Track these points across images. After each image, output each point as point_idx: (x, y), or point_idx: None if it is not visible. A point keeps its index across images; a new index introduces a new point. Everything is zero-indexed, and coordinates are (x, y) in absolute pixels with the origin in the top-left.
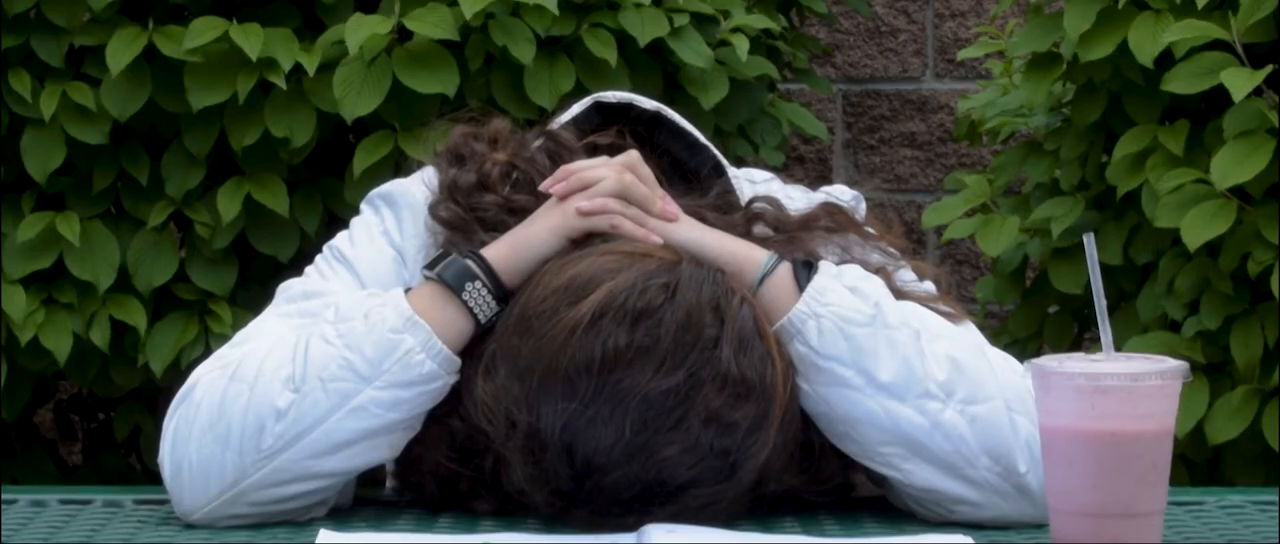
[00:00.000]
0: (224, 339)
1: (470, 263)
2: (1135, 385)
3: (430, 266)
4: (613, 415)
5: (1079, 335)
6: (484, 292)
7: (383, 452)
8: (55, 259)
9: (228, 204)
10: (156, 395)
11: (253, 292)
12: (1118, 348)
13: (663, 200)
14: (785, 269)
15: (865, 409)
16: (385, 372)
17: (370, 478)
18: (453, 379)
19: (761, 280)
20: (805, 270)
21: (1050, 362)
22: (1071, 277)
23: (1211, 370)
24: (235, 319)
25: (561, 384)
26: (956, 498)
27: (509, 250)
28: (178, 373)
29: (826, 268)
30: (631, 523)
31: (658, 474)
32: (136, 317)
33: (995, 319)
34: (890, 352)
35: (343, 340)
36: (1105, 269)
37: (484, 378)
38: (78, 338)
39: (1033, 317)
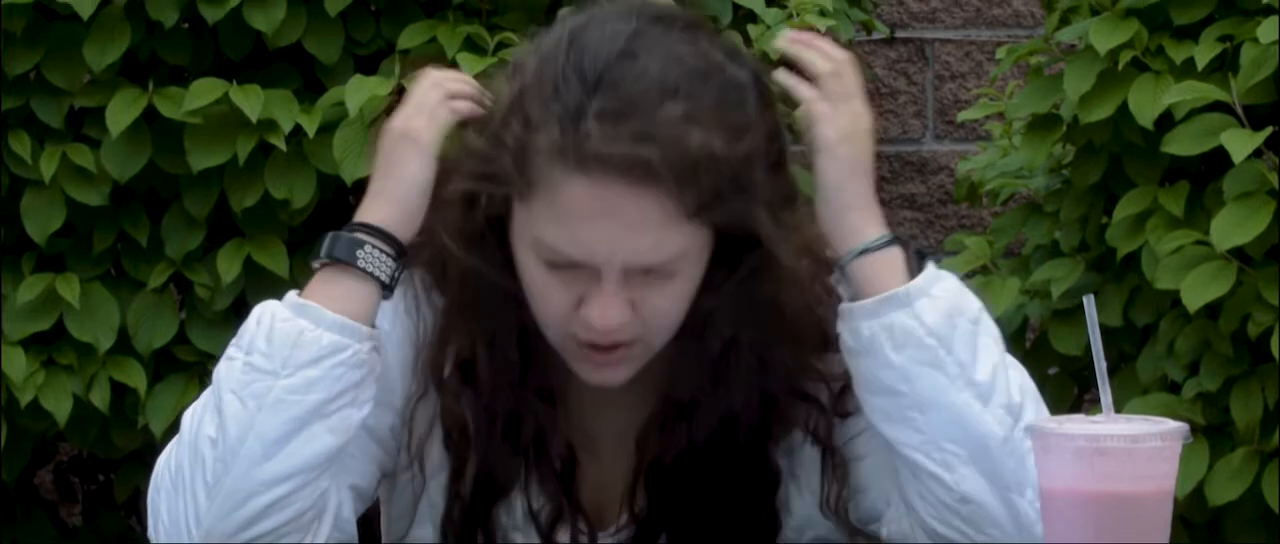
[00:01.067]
0: None
1: (355, 233)
2: (1135, 447)
3: (315, 256)
4: (624, 14)
5: (1079, 397)
6: (377, 252)
7: (327, 438)
8: (55, 321)
9: (228, 266)
10: (157, 458)
11: None
12: (1118, 409)
13: None
14: (898, 250)
15: (950, 399)
16: (287, 359)
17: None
18: (365, 345)
19: (871, 249)
20: (918, 259)
21: (1050, 423)
22: (1071, 338)
23: (1212, 432)
24: None
25: (575, 19)
26: (990, 520)
27: (390, 206)
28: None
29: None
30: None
31: (664, 80)
32: (136, 378)
33: None
34: (986, 355)
35: (242, 350)
36: (1105, 331)
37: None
38: (78, 399)
39: (1032, 378)
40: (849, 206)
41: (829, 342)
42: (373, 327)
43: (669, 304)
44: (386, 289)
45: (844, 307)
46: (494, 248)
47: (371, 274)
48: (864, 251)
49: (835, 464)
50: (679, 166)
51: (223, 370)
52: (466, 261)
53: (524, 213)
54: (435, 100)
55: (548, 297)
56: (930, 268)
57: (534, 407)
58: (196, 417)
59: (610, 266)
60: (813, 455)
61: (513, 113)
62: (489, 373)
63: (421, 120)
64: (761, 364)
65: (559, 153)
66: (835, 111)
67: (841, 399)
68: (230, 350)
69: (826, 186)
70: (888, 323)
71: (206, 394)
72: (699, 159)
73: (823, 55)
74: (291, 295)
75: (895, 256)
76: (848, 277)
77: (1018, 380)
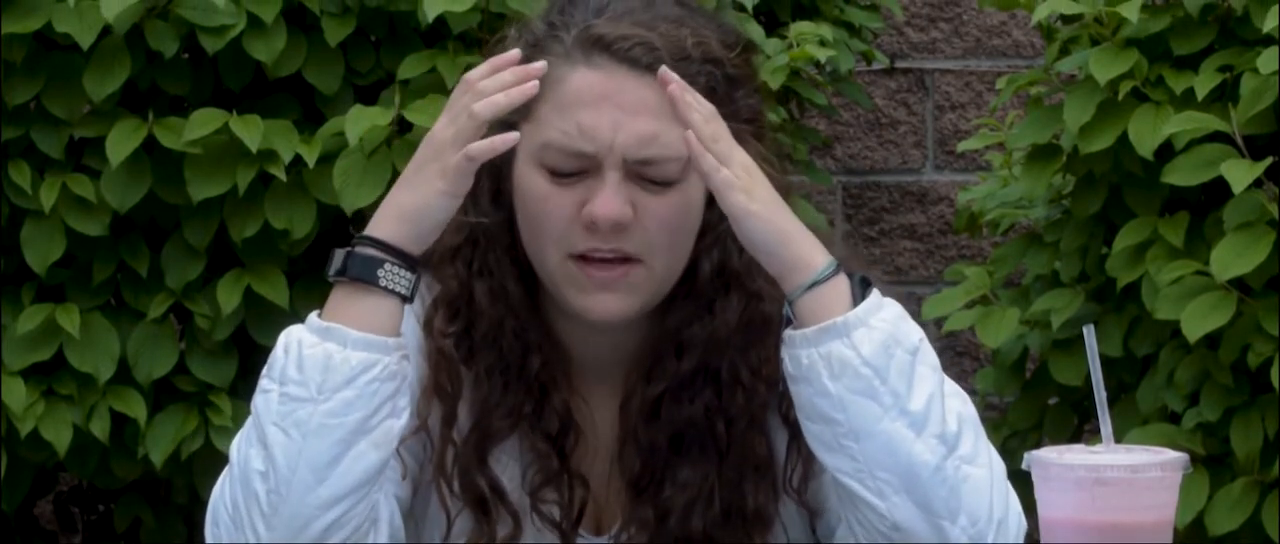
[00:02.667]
0: (224, 431)
1: (371, 251)
2: (1135, 477)
3: (329, 272)
4: None
5: (1079, 427)
6: (396, 270)
7: (373, 454)
8: (55, 351)
9: (227, 296)
10: (157, 488)
11: (253, 384)
12: (1118, 440)
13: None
14: (844, 278)
15: (883, 428)
16: (321, 384)
17: None
18: (394, 356)
19: (820, 282)
20: (862, 287)
21: (1050, 453)
22: (1071, 368)
23: (1211, 462)
24: (235, 411)
25: None
26: None
27: (406, 225)
28: (178, 465)
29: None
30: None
31: (661, 5)
32: (136, 408)
33: (995, 411)
34: (922, 385)
35: (276, 382)
36: (1105, 361)
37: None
38: (78, 429)
39: (1033, 408)
40: (786, 240)
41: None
42: (398, 335)
43: (667, 215)
44: (408, 301)
45: (787, 334)
46: (488, 201)
47: (394, 291)
48: (813, 285)
49: (800, 446)
50: (676, 56)
51: (260, 403)
52: (465, 211)
53: (529, 131)
54: (465, 121)
55: (550, 208)
56: (873, 297)
57: (536, 339)
58: (242, 451)
59: (612, 155)
60: (782, 443)
61: (517, 44)
62: (488, 301)
63: (453, 154)
64: (748, 296)
65: (565, 52)
66: (733, 174)
67: None
68: (263, 383)
69: (759, 236)
70: (825, 351)
71: (248, 427)
72: (694, 56)
73: (694, 107)
74: (314, 318)
75: (841, 285)
76: (795, 310)
77: (957, 409)
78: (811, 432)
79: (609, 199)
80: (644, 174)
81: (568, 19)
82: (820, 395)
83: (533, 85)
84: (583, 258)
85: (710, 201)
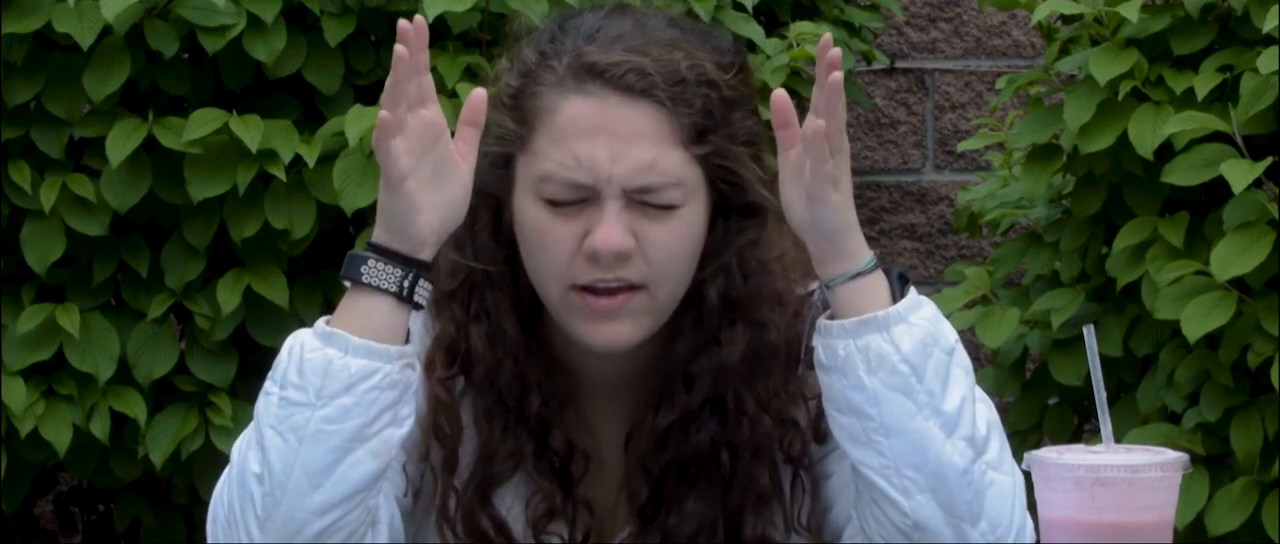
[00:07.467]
0: (224, 431)
1: (362, 252)
2: (1135, 477)
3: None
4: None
5: (1079, 427)
6: (380, 266)
7: (370, 462)
8: (55, 351)
9: (227, 296)
10: (157, 487)
11: (253, 384)
12: (1118, 439)
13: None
14: (882, 274)
15: (916, 427)
16: (320, 389)
17: None
18: (396, 365)
19: (862, 273)
20: (900, 283)
21: (1050, 453)
22: (1071, 368)
23: (1211, 462)
24: (235, 411)
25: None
26: None
27: (382, 225)
28: (178, 465)
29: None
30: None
31: (653, 23)
32: (136, 408)
33: None
34: (956, 387)
35: (277, 385)
36: (1105, 361)
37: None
38: (78, 429)
39: (1033, 408)
40: (848, 230)
41: (799, 359)
42: (406, 342)
43: (670, 241)
44: (405, 301)
45: (822, 322)
46: (487, 236)
47: (381, 288)
48: (856, 276)
49: (803, 483)
50: (671, 80)
51: (261, 406)
52: (463, 249)
53: (526, 163)
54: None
55: (550, 240)
56: (911, 294)
57: (537, 379)
58: (242, 452)
59: (610, 185)
60: (786, 481)
61: (510, 74)
62: (484, 345)
63: (379, 155)
64: (753, 326)
65: (558, 81)
66: (838, 167)
67: (821, 421)
68: (267, 385)
69: (832, 215)
70: (864, 345)
71: (250, 429)
72: (689, 79)
73: (835, 74)
74: (321, 322)
75: (880, 280)
76: (833, 297)
77: (985, 414)
78: (841, 423)
79: (610, 230)
80: (645, 201)
81: (559, 46)
82: (855, 388)
83: (423, 34)
84: (585, 289)
85: (712, 226)
